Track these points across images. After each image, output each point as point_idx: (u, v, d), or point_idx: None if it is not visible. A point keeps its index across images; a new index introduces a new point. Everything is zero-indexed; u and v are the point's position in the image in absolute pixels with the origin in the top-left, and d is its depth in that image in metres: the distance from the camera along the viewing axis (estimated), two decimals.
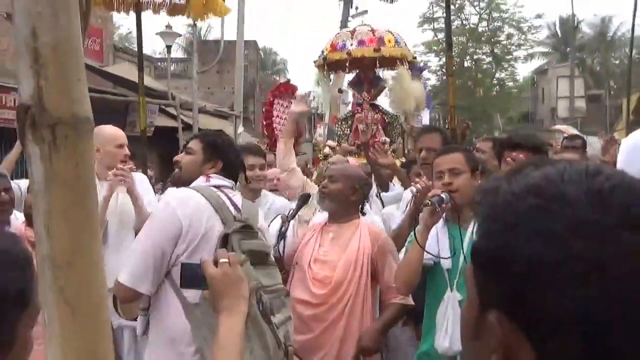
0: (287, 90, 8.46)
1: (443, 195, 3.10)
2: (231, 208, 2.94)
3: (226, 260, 1.75)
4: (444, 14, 35.21)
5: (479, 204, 0.76)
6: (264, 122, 8.76)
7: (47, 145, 0.92)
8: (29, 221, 3.34)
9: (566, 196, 0.67)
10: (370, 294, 3.56)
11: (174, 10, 7.31)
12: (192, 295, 2.75)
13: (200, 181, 3.04)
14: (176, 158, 3.25)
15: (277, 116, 8.79)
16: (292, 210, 3.67)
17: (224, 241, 2.77)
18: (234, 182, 3.14)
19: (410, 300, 3.53)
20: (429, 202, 3.09)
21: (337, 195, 3.65)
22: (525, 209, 0.68)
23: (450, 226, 3.26)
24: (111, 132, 4.34)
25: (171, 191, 3.11)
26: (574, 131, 8.59)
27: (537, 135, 4.82)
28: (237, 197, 3.05)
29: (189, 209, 2.82)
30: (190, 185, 3.02)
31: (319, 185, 4.86)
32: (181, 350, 2.80)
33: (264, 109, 7.92)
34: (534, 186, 0.70)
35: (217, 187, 3.01)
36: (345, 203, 3.69)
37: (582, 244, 0.64)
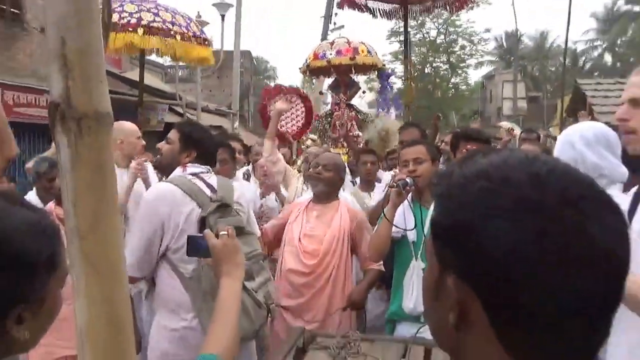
0: (276, 92, 8.43)
1: (408, 180, 3.14)
2: (207, 191, 2.91)
3: (225, 232, 1.75)
4: (409, 29, 35.21)
5: (436, 185, 0.76)
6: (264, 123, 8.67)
7: (74, 135, 0.92)
8: (59, 201, 3.34)
9: (510, 179, 0.67)
10: (350, 264, 3.60)
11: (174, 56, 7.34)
12: (187, 270, 2.78)
13: (178, 171, 3.01)
14: (158, 146, 3.23)
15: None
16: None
17: (202, 223, 2.77)
18: (209, 167, 3.09)
19: (382, 267, 3.58)
20: (395, 185, 3.13)
21: (330, 181, 3.68)
22: (476, 190, 0.69)
23: (415, 205, 3.29)
24: (131, 126, 4.45)
25: (150, 189, 3.09)
26: (516, 127, 8.65)
27: (485, 131, 4.91)
28: (213, 179, 3.02)
29: (166, 201, 2.81)
30: (168, 178, 3.01)
31: (302, 170, 4.92)
32: (182, 316, 2.83)
33: (260, 113, 7.84)
34: (482, 171, 0.70)
35: (194, 174, 2.97)
36: (334, 187, 3.74)
37: (524, 218, 0.65)
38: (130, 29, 6.38)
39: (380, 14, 8.21)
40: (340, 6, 8.09)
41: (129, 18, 6.45)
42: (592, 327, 0.68)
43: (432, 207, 3.25)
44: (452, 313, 0.71)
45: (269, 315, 2.92)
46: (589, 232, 0.65)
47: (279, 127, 6.96)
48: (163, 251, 2.84)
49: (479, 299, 0.68)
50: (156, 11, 6.65)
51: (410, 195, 3.26)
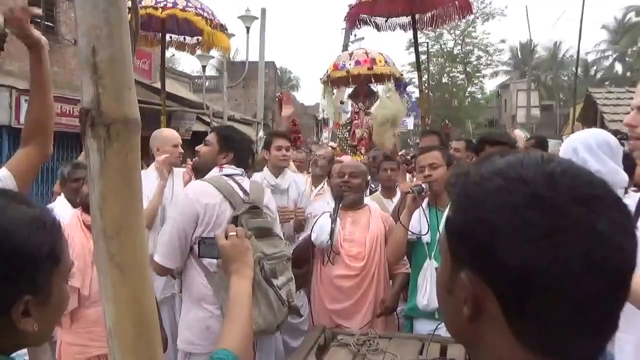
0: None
1: (423, 186, 3.15)
2: (240, 193, 2.97)
3: (234, 233, 1.75)
4: (426, 41, 35.26)
5: (453, 184, 0.76)
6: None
7: (103, 140, 0.92)
8: (84, 207, 3.37)
9: (524, 178, 0.68)
10: (386, 265, 3.57)
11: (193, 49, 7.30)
12: (212, 265, 2.82)
13: (215, 171, 3.09)
14: (197, 148, 3.33)
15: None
16: (333, 210, 3.58)
17: (234, 221, 2.82)
18: (243, 170, 3.14)
19: (409, 270, 3.57)
20: (411, 191, 3.14)
21: (359, 187, 3.68)
22: (492, 188, 0.69)
23: (430, 208, 3.31)
24: (168, 134, 4.45)
25: (188, 185, 3.15)
26: (524, 134, 8.60)
27: (510, 135, 4.90)
28: (246, 182, 3.08)
29: (204, 199, 2.89)
30: (205, 177, 3.08)
31: (311, 171, 4.91)
32: (207, 307, 2.88)
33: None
34: (499, 170, 0.71)
35: (229, 175, 3.04)
36: (362, 193, 3.74)
37: (537, 215, 0.65)
38: (180, 9, 6.45)
39: (387, 28, 8.02)
40: (350, 27, 7.94)
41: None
42: (600, 321, 0.68)
43: (446, 210, 3.26)
44: (466, 306, 0.71)
45: (290, 311, 2.94)
46: (598, 229, 0.65)
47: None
48: (192, 245, 2.90)
49: (492, 292, 0.69)
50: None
51: (426, 199, 3.27)
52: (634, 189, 2.31)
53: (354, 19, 7.70)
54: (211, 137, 3.22)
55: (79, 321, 3.26)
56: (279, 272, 2.92)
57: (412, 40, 8.04)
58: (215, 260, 2.81)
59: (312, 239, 3.50)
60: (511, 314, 0.68)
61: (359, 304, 3.46)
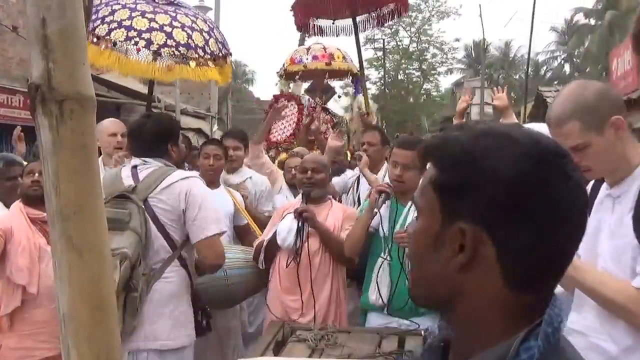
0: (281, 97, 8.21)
1: (389, 191, 3.26)
2: (127, 182, 2.88)
3: None
4: (382, 37, 35.55)
5: (438, 148, 0.82)
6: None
7: (55, 118, 0.87)
8: (26, 200, 3.26)
9: (514, 137, 0.78)
10: None
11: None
12: None
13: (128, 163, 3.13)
14: None
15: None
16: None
17: None
18: (146, 159, 2.99)
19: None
20: (379, 197, 3.25)
21: (323, 182, 3.67)
22: (489, 144, 0.78)
23: (392, 203, 3.33)
24: (105, 124, 4.39)
25: None
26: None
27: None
28: (145, 172, 2.93)
29: None
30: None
31: (282, 168, 4.90)
32: None
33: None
34: (487, 132, 0.80)
35: (134, 166, 2.97)
36: (326, 187, 3.74)
37: (531, 166, 0.75)
38: (137, 52, 5.10)
39: (331, 32, 7.88)
40: (298, 29, 7.86)
41: (137, 39, 4.87)
42: (567, 263, 0.81)
43: (408, 205, 3.27)
44: (462, 254, 0.78)
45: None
46: (574, 178, 0.78)
47: (270, 137, 6.90)
48: None
49: (491, 239, 0.76)
50: (170, 30, 5.04)
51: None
52: None
53: (301, 22, 7.57)
54: None
55: (24, 322, 3.12)
56: None
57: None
58: None
59: (278, 240, 3.46)
60: (506, 258, 0.76)
61: (313, 299, 3.44)
